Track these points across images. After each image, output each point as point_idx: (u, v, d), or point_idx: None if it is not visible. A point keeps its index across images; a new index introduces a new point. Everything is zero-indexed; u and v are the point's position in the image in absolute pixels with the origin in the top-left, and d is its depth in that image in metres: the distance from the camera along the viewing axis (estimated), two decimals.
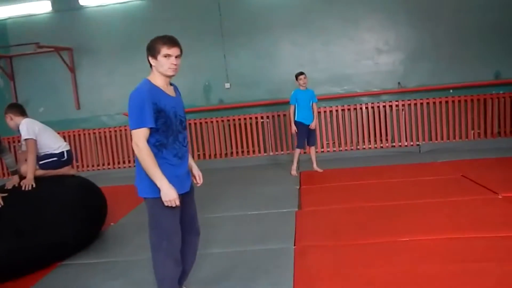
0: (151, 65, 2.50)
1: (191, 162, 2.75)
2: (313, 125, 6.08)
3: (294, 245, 3.48)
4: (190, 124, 7.62)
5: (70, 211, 3.73)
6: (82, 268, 3.54)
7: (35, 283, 3.29)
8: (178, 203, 2.40)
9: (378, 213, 4.09)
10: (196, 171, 2.76)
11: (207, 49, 7.57)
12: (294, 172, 6.19)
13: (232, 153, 7.63)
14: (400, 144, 7.35)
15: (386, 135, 7.37)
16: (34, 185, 3.75)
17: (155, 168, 2.35)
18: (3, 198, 3.59)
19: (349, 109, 7.39)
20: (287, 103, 7.31)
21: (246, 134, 7.56)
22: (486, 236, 3.34)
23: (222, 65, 7.55)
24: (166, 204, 2.39)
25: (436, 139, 7.28)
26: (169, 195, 2.36)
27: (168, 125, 2.44)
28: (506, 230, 3.41)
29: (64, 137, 7.75)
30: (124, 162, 7.86)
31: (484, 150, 6.78)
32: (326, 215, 4.21)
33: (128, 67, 7.67)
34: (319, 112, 7.25)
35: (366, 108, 7.36)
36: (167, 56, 2.44)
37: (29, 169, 3.81)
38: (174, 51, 2.46)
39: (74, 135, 7.90)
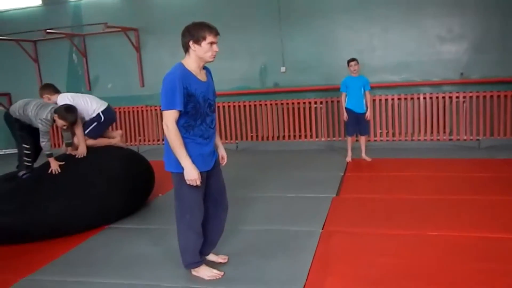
0: (187, 49, 2.65)
1: (218, 142, 2.93)
2: (368, 115, 5.98)
3: (322, 229, 3.54)
4: (245, 105, 7.81)
5: (116, 180, 4.08)
6: (126, 232, 3.88)
7: (82, 242, 3.68)
8: (198, 182, 2.59)
9: (415, 206, 4.02)
10: (222, 152, 2.93)
11: (264, 33, 7.65)
12: (349, 159, 6.14)
13: (284, 136, 7.71)
14: (458, 137, 7.00)
15: (444, 127, 7.04)
16: (85, 155, 4.15)
17: (181, 148, 2.53)
18: (60, 166, 4.02)
19: (405, 99, 7.15)
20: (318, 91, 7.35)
21: (299, 118, 7.60)
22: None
23: (279, 49, 7.60)
24: (188, 182, 2.59)
25: (499, 135, 6.83)
26: (191, 174, 2.55)
27: (197, 108, 2.60)
28: None
29: (128, 112, 8.39)
30: None
31: None
32: (362, 203, 4.21)
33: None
34: (373, 100, 7.11)
35: (424, 98, 7.07)
36: (212, 43, 2.59)
37: (80, 141, 4.21)
38: (217, 39, 2.64)
39: (137, 111, 8.41)
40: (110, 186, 4.01)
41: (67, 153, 4.29)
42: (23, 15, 8.66)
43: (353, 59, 5.97)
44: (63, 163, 4.05)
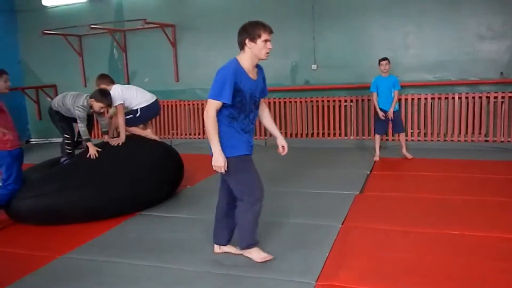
0: (242, 47, 2.80)
1: (277, 133, 3.10)
2: (390, 113, 5.94)
3: (342, 224, 3.60)
4: (275, 102, 7.89)
5: (149, 170, 4.31)
6: (155, 219, 4.09)
7: (115, 226, 3.91)
8: (223, 170, 2.74)
9: (439, 205, 4.00)
10: (281, 142, 3.07)
11: (297, 30, 7.69)
12: (377, 158, 6.13)
13: (313, 134, 7.75)
14: (495, 139, 6.79)
15: (480, 128, 6.86)
16: (120, 144, 4.39)
17: (215, 135, 2.71)
18: (97, 152, 4.28)
19: (440, 98, 7.00)
20: (348, 89, 7.30)
21: (329, 116, 7.60)
22: None
23: (311, 46, 7.62)
24: (214, 168, 2.76)
25: None
26: (219, 161, 2.73)
27: (243, 103, 2.77)
28: None
29: (163, 106, 8.65)
30: None
31: None
32: (384, 201, 4.22)
33: (224, 45, 8.13)
34: (406, 99, 7.03)
35: (460, 98, 6.90)
36: (266, 41, 2.75)
37: (121, 129, 4.46)
38: (271, 37, 2.79)
39: (172, 105, 8.67)
40: (142, 175, 4.24)
41: (105, 140, 4.55)
42: (70, 11, 9.09)
43: (384, 59, 5.94)
44: (100, 149, 4.32)
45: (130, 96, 4.64)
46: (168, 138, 8.56)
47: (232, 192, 2.96)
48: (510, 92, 6.66)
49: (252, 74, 2.82)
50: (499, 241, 3.16)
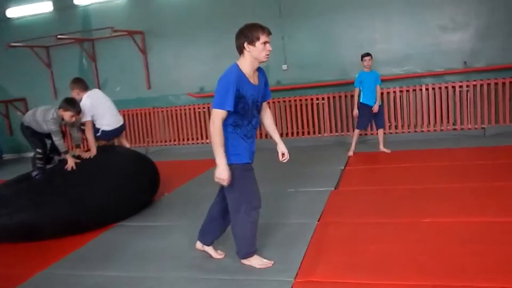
0: (241, 51, 2.76)
1: (277, 138, 3.13)
2: (375, 107, 6.04)
3: (318, 221, 3.67)
4: None
5: (124, 179, 4.29)
6: (134, 229, 4.07)
7: (93, 238, 3.89)
8: (226, 183, 2.73)
9: (412, 195, 4.11)
10: (282, 149, 3.10)
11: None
12: (351, 153, 6.22)
13: (287, 133, 7.83)
14: (462, 127, 7.02)
15: (448, 117, 7.08)
16: (91, 157, 4.39)
17: (221, 148, 2.68)
18: (76, 164, 4.26)
19: (408, 91, 7.19)
20: (344, 84, 7.39)
21: (302, 115, 7.71)
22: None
23: (280, 46, 7.70)
24: (215, 180, 2.73)
25: (505, 122, 6.84)
26: (223, 174, 2.69)
27: (245, 110, 2.75)
28: None
29: (136, 115, 8.60)
30: (188, 140, 8.44)
31: None
32: (359, 195, 4.32)
33: (193, 50, 8.19)
34: None
35: (427, 89, 7.11)
36: (265, 43, 2.72)
37: (91, 144, 4.46)
38: (270, 38, 2.76)
39: (145, 113, 8.63)
40: (116, 185, 4.21)
41: (76, 154, 4.52)
42: (36, 21, 8.94)
43: (367, 54, 6.05)
44: (79, 161, 4.28)
45: (98, 114, 4.62)
46: (143, 146, 8.51)
47: None
48: (474, 81, 6.89)
49: (253, 79, 2.80)
50: (471, 225, 3.28)
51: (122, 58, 8.66)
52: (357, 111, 6.07)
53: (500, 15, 6.76)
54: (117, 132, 4.87)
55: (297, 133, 7.80)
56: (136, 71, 8.61)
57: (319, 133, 7.66)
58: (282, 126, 7.84)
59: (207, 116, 8.24)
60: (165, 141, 8.57)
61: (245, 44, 2.71)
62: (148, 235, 3.85)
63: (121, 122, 4.89)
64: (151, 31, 8.41)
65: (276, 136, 3.13)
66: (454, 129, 7.05)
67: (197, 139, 8.37)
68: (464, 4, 6.90)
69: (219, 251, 3.21)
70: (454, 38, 7.01)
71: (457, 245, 2.96)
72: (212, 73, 8.08)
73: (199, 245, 3.20)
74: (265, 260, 2.96)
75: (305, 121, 7.70)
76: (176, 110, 8.45)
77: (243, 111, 2.72)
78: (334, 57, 7.46)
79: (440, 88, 7.04)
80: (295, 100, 7.72)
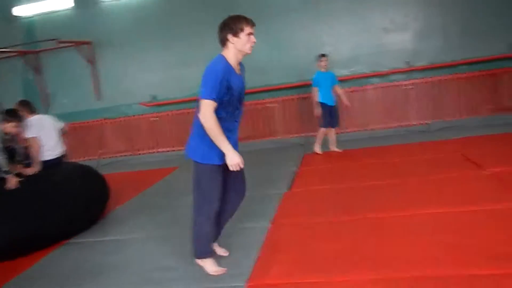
0: (224, 43, 2.71)
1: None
2: (346, 101, 6.27)
3: (270, 223, 3.71)
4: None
5: (71, 195, 4.14)
6: (85, 245, 3.95)
7: (42, 257, 3.73)
8: (242, 165, 2.64)
9: (364, 192, 4.23)
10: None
11: (216, 37, 7.75)
12: (318, 150, 6.35)
13: (241, 138, 7.83)
14: (408, 123, 7.32)
15: (395, 114, 7.35)
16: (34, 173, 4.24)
17: (222, 136, 2.59)
18: (20, 182, 4.06)
19: (356, 91, 7.41)
20: (296, 87, 7.52)
21: (255, 119, 7.76)
22: (460, 210, 3.43)
23: None
24: (230, 168, 2.63)
25: (446, 117, 7.18)
26: (234, 159, 2.61)
27: (231, 101, 2.68)
28: (479, 204, 3.48)
29: (87, 127, 8.36)
30: (141, 149, 8.29)
31: (495, 126, 6.59)
32: (311, 195, 4.40)
33: (144, 58, 8.07)
34: None
35: (374, 89, 7.36)
36: (250, 34, 2.67)
37: (35, 161, 4.31)
38: (254, 30, 2.71)
39: (96, 125, 8.40)
40: (65, 201, 4.07)
41: (19, 171, 4.31)
42: None
43: (324, 55, 6.21)
44: (22, 179, 4.09)
45: (41, 140, 4.47)
46: (96, 159, 8.27)
47: (231, 188, 2.94)
48: (417, 79, 7.21)
49: (237, 70, 2.75)
50: (419, 218, 3.42)
51: (69, 69, 8.40)
52: (319, 110, 6.20)
53: (436, 17, 7.12)
54: (56, 160, 4.64)
55: (251, 137, 7.84)
56: (84, 82, 8.37)
57: (272, 136, 7.74)
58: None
59: (160, 125, 8.13)
60: (118, 153, 8.37)
61: (229, 36, 2.67)
62: (99, 251, 3.75)
63: (61, 154, 4.68)
64: (99, 41, 8.21)
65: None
66: (401, 126, 7.34)
67: (151, 148, 8.23)
68: (404, 7, 7.22)
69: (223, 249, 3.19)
70: (397, 39, 7.31)
71: (407, 238, 3.07)
72: (163, 81, 8.07)
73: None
74: (219, 268, 2.95)
75: (258, 125, 7.76)
76: (128, 120, 8.28)
77: (228, 103, 2.66)
78: (284, 60, 7.57)
79: (385, 87, 7.31)
80: (249, 105, 7.75)
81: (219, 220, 3.02)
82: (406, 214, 3.53)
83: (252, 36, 2.68)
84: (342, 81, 7.41)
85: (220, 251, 3.18)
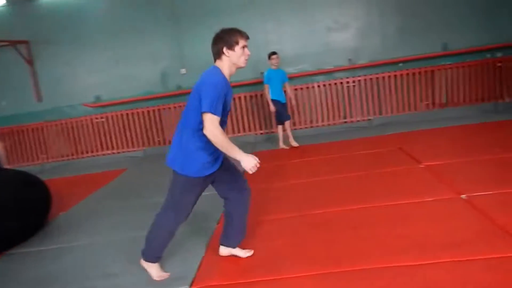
0: (219, 56, 2.67)
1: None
2: (292, 98, 6.54)
3: (217, 224, 3.75)
4: (149, 111, 7.81)
5: (6, 205, 3.95)
6: (24, 256, 3.79)
7: None
8: (258, 166, 2.58)
9: (307, 189, 4.39)
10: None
11: (162, 36, 7.70)
12: (282, 145, 6.50)
13: None
14: (352, 119, 7.59)
15: (339, 111, 7.60)
16: None
17: (232, 145, 2.54)
18: None
19: (302, 89, 7.58)
20: (244, 85, 7.57)
21: None
22: (395, 203, 3.63)
23: (178, 51, 7.68)
24: (250, 172, 2.58)
25: (386, 113, 7.52)
26: (250, 162, 2.55)
27: (224, 115, 2.64)
28: (412, 197, 3.69)
29: (27, 130, 8.01)
30: (87, 152, 8.05)
31: (432, 120, 7.00)
32: (259, 193, 4.43)
33: (86, 57, 7.83)
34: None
35: (319, 86, 7.56)
36: (244, 47, 2.66)
37: None
38: (248, 42, 2.70)
39: (37, 128, 8.05)
40: (1, 211, 3.89)
41: None
42: None
43: (274, 53, 6.34)
44: None
45: None
46: (38, 163, 7.95)
47: (229, 189, 2.92)
48: (359, 76, 7.48)
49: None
50: (351, 212, 3.59)
51: (5, 70, 7.98)
52: (273, 107, 6.31)
53: (376, 16, 7.42)
54: None
55: None
56: (23, 83, 7.99)
57: None
58: None
59: (105, 126, 7.93)
60: (62, 156, 8.08)
61: (224, 49, 2.65)
62: (38, 262, 3.61)
63: None
64: (37, 39, 7.87)
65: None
66: (345, 122, 7.60)
67: (96, 150, 8.01)
68: (346, 7, 7.46)
69: (246, 250, 3.09)
70: (339, 38, 7.54)
71: (345, 233, 3.21)
72: (108, 81, 7.87)
73: (225, 251, 3.07)
74: (163, 272, 2.95)
75: None
76: (71, 122, 8.01)
77: (222, 117, 2.60)
78: None
79: (330, 84, 7.54)
80: None
81: (240, 224, 3.01)
82: (345, 209, 3.69)
83: (246, 49, 2.70)
84: (289, 78, 7.59)
85: (246, 252, 3.09)
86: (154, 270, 2.94)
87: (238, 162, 2.58)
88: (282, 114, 6.47)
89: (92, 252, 3.64)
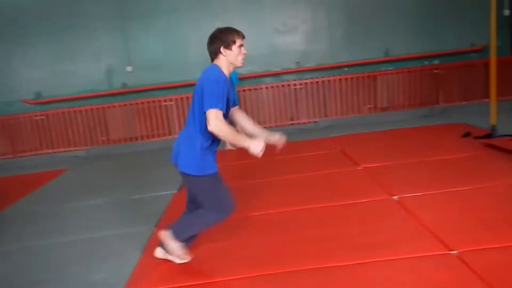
0: (216, 55, 2.67)
1: (263, 132, 3.00)
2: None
3: (156, 227, 3.69)
4: (92, 109, 7.56)
5: None
6: None
7: None
8: (263, 151, 2.57)
9: (250, 191, 4.40)
10: (272, 138, 2.98)
11: (108, 32, 7.48)
12: (229, 146, 6.42)
13: (136, 137, 7.67)
14: (298, 121, 7.74)
15: (286, 113, 7.72)
16: None
17: (238, 135, 2.58)
18: None
19: (250, 90, 7.64)
20: (192, 85, 7.48)
21: (151, 117, 7.62)
22: (330, 205, 3.74)
23: (124, 48, 7.50)
24: (258, 155, 2.56)
25: (332, 116, 7.73)
26: (257, 148, 2.56)
27: (225, 112, 2.64)
28: (347, 199, 3.83)
29: None
30: (25, 151, 7.67)
31: (374, 123, 7.26)
32: None
33: (26, 51, 7.48)
34: None
35: (267, 88, 7.65)
36: (241, 46, 2.66)
37: None
38: (244, 42, 2.69)
39: None
40: None
41: None
42: None
43: None
44: None
45: None
46: None
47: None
48: (306, 79, 7.64)
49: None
50: (287, 214, 3.66)
51: None
52: None
53: (322, 21, 7.61)
54: None
55: (147, 136, 7.68)
56: None
57: (170, 134, 7.66)
58: (131, 130, 7.64)
59: (46, 124, 7.59)
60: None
61: (222, 49, 2.65)
62: None
63: None
64: None
65: (259, 130, 3.05)
66: (292, 124, 7.74)
67: (36, 149, 7.65)
68: (294, 10, 7.60)
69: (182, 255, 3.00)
70: (288, 40, 7.67)
71: (283, 234, 3.26)
72: (50, 77, 7.53)
73: (160, 254, 2.99)
74: (186, 255, 2.96)
75: (155, 124, 7.62)
76: (9, 119, 7.60)
77: (224, 113, 2.61)
78: (180, 58, 7.52)
79: (278, 86, 7.64)
80: (142, 103, 7.59)
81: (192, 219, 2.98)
82: (285, 210, 3.76)
83: (243, 48, 2.71)
84: (238, 79, 7.63)
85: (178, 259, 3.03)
86: (179, 248, 2.90)
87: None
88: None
89: (21, 258, 3.46)
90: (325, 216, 3.55)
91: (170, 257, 2.98)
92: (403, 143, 5.76)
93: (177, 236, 2.88)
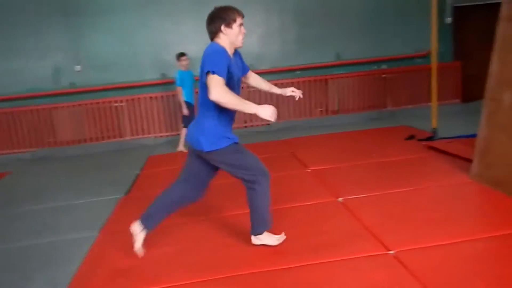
0: (216, 34, 2.66)
1: (277, 89, 3.13)
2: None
3: (99, 233, 3.60)
4: (38, 110, 7.26)
5: None
6: None
7: None
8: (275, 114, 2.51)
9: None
10: (289, 91, 3.09)
11: (55, 29, 7.21)
12: (182, 149, 6.36)
13: (85, 139, 7.43)
14: (252, 123, 7.78)
15: (239, 115, 7.71)
16: None
17: (241, 100, 2.50)
18: None
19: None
20: (144, 86, 7.38)
21: (101, 118, 7.41)
22: (274, 208, 3.70)
23: (72, 46, 7.25)
24: (270, 119, 2.49)
25: (284, 118, 7.83)
26: (266, 111, 2.49)
27: (232, 87, 2.58)
28: (294, 201, 3.89)
29: None
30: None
31: (325, 126, 7.42)
32: (149, 200, 4.36)
33: None
34: (173, 95, 7.40)
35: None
36: (241, 25, 2.65)
37: None
38: (243, 21, 2.68)
39: None
40: None
41: None
42: None
43: (183, 54, 6.21)
44: None
45: None
46: None
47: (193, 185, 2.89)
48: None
49: (233, 59, 2.70)
50: (234, 218, 3.67)
51: None
52: (186, 110, 6.18)
53: (275, 24, 7.69)
54: None
55: (97, 138, 7.46)
56: None
57: (120, 136, 7.49)
58: (80, 132, 7.40)
59: None
60: None
61: (222, 27, 2.62)
62: None
63: None
64: None
65: (274, 88, 3.14)
66: (245, 126, 7.77)
67: None
68: (246, 12, 7.53)
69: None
70: (243, 42, 7.65)
71: (229, 239, 3.26)
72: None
73: (137, 228, 2.91)
74: (277, 236, 2.96)
75: (104, 125, 7.42)
76: None
77: (230, 88, 2.54)
78: (131, 57, 7.37)
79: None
80: (92, 103, 7.37)
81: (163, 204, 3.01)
82: (233, 214, 3.77)
83: (242, 27, 2.70)
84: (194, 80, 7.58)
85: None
86: (269, 238, 2.91)
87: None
88: (192, 117, 6.38)
89: None
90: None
91: (267, 243, 2.98)
92: (352, 145, 5.92)
93: (264, 226, 2.90)
